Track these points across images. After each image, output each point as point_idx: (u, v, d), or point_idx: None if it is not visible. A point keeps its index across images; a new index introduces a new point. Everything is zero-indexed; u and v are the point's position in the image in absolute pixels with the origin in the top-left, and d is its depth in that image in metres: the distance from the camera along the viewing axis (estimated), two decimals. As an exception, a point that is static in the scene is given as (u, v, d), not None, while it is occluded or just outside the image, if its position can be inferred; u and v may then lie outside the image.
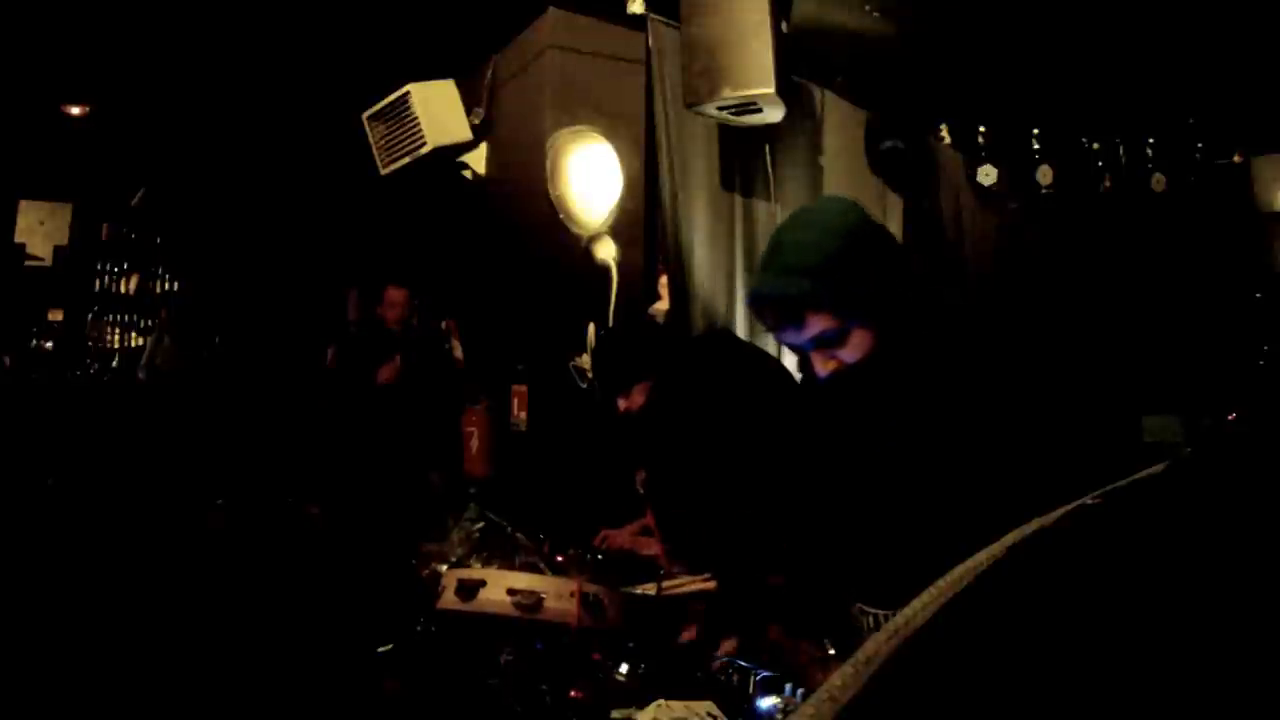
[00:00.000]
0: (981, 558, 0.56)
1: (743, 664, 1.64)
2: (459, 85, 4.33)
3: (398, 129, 4.32)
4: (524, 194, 4.02)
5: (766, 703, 1.56)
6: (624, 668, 1.71)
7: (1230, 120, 4.23)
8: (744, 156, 3.67)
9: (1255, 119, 4.23)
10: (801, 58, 3.39)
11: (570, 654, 1.75)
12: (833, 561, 1.79)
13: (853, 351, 1.60)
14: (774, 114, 3.26)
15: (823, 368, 1.63)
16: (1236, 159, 4.31)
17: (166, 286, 6.79)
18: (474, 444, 4.18)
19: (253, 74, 4.84)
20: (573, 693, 1.58)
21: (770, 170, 3.64)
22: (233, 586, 2.71)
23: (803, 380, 1.90)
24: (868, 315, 1.59)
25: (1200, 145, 4.20)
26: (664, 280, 3.89)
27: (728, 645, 1.79)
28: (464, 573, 1.93)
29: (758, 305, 1.71)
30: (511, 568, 2.23)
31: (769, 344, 3.21)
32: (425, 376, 4.79)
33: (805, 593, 1.84)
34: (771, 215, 3.66)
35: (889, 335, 1.59)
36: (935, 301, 1.68)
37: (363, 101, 4.47)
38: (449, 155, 4.39)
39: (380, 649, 1.99)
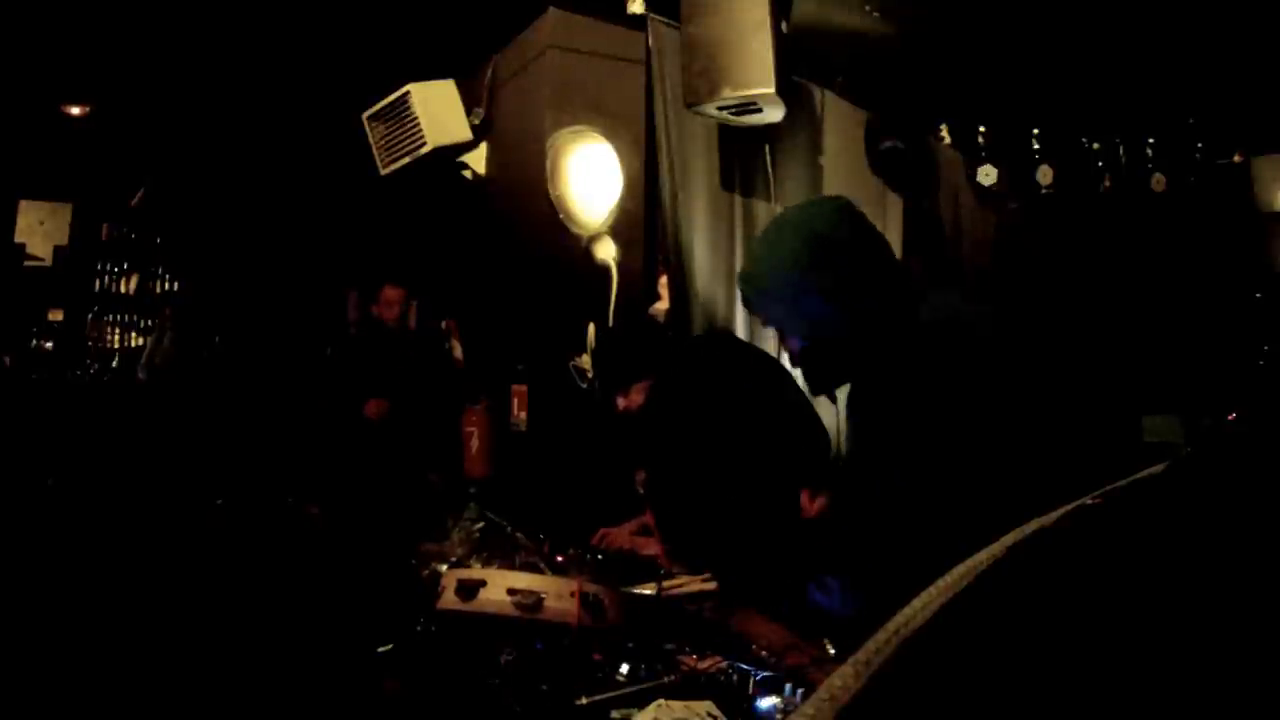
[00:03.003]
0: (981, 558, 0.56)
1: (743, 665, 1.64)
2: (459, 85, 4.32)
3: (398, 129, 4.32)
4: (524, 194, 4.02)
5: (766, 703, 1.56)
6: (624, 668, 1.71)
7: (1230, 120, 4.23)
8: (744, 156, 3.67)
9: (1255, 119, 4.23)
10: (801, 58, 3.38)
11: (570, 654, 1.75)
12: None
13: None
14: (774, 114, 3.26)
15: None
16: (1236, 159, 4.31)
17: (166, 286, 6.79)
18: (474, 444, 4.18)
19: (253, 74, 4.84)
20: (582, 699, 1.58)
21: (770, 170, 3.64)
22: (232, 586, 2.71)
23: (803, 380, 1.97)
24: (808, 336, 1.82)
25: (1200, 145, 4.20)
26: (664, 280, 3.89)
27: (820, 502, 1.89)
28: (464, 573, 1.93)
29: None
30: (511, 568, 2.23)
31: (769, 344, 3.21)
32: (425, 376, 4.79)
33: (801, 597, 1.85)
34: (771, 215, 3.66)
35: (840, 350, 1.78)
36: (909, 312, 1.76)
37: (363, 101, 4.46)
38: (449, 155, 4.39)
39: (380, 649, 1.99)
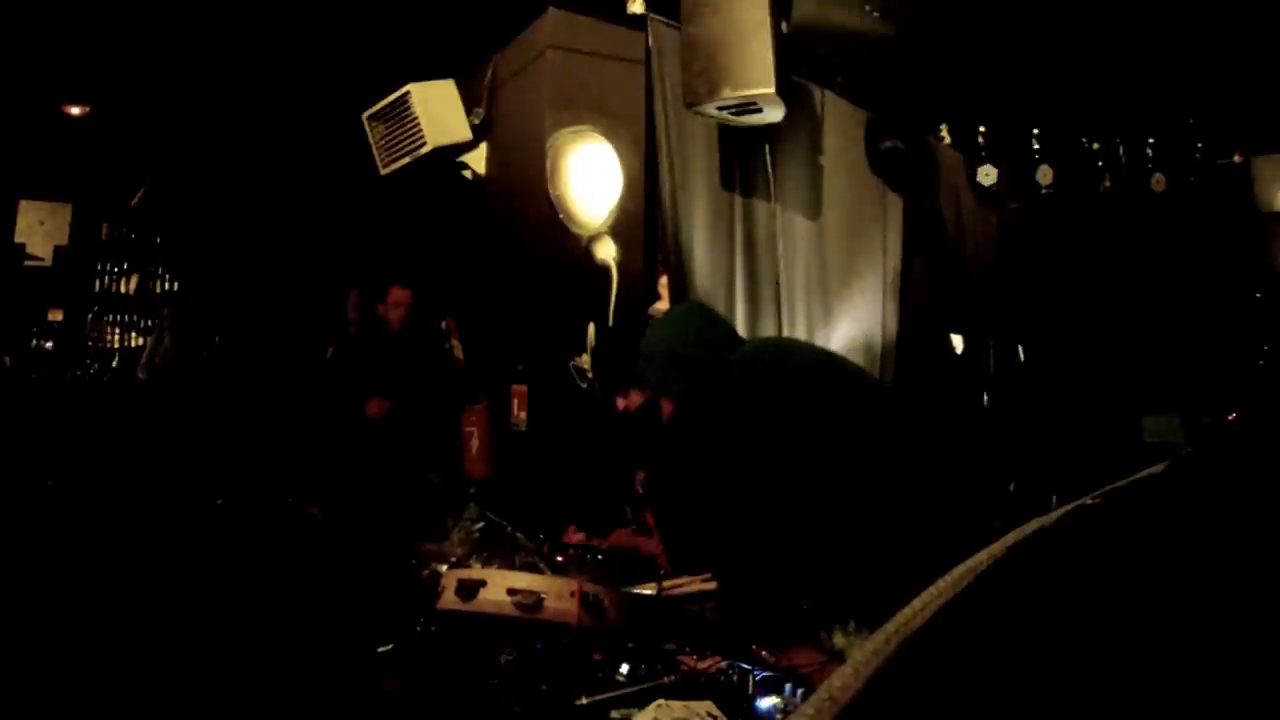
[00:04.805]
0: (981, 558, 0.56)
1: (743, 664, 1.64)
2: (459, 85, 4.32)
3: (398, 129, 4.32)
4: (524, 194, 4.02)
5: (766, 703, 1.56)
6: (624, 668, 1.71)
7: (1230, 120, 4.22)
8: (744, 156, 3.66)
9: (1255, 119, 4.22)
10: (801, 58, 3.38)
11: (570, 654, 1.75)
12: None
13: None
14: (774, 114, 3.26)
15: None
16: (1236, 159, 4.31)
17: (166, 286, 6.78)
18: (474, 444, 4.18)
19: (253, 74, 4.84)
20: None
21: (770, 170, 3.64)
22: (233, 586, 2.71)
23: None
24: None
25: (1200, 145, 4.19)
26: (664, 280, 3.88)
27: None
28: (464, 573, 1.93)
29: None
30: (511, 568, 2.23)
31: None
32: (425, 376, 4.79)
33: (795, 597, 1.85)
34: (771, 215, 3.66)
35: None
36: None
37: (363, 101, 4.46)
38: (449, 155, 4.39)
39: (380, 649, 1.99)
